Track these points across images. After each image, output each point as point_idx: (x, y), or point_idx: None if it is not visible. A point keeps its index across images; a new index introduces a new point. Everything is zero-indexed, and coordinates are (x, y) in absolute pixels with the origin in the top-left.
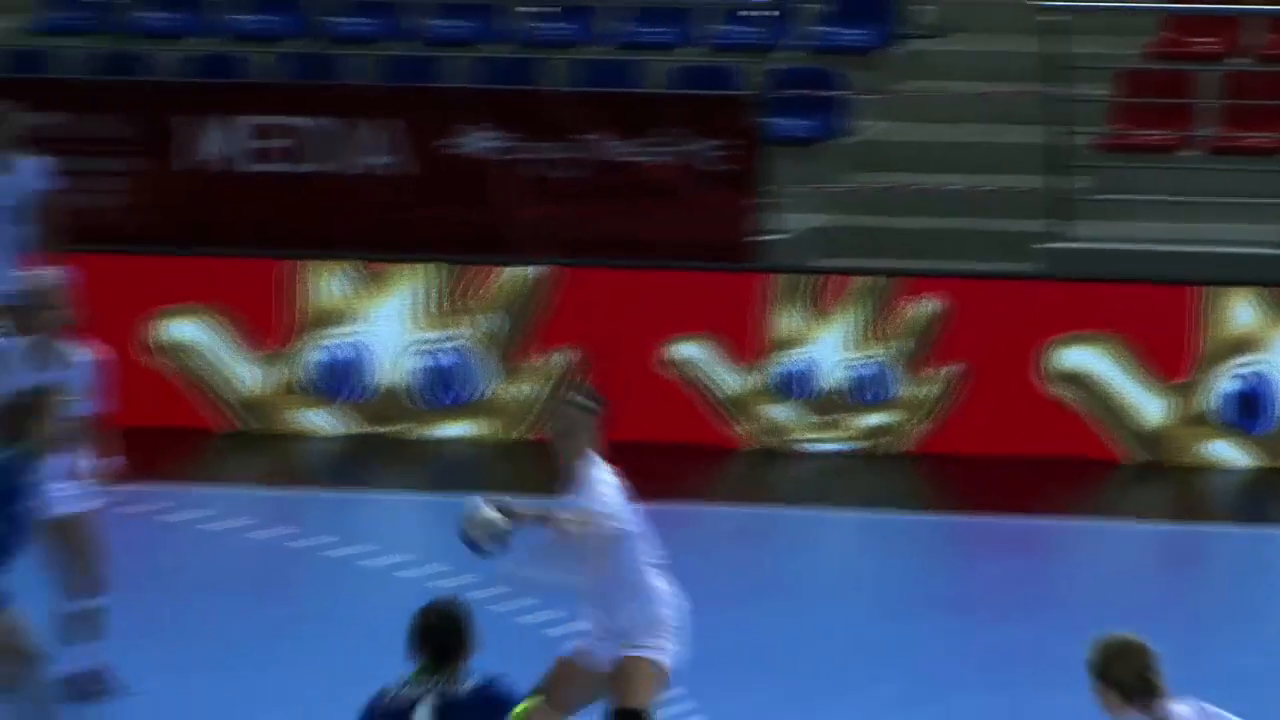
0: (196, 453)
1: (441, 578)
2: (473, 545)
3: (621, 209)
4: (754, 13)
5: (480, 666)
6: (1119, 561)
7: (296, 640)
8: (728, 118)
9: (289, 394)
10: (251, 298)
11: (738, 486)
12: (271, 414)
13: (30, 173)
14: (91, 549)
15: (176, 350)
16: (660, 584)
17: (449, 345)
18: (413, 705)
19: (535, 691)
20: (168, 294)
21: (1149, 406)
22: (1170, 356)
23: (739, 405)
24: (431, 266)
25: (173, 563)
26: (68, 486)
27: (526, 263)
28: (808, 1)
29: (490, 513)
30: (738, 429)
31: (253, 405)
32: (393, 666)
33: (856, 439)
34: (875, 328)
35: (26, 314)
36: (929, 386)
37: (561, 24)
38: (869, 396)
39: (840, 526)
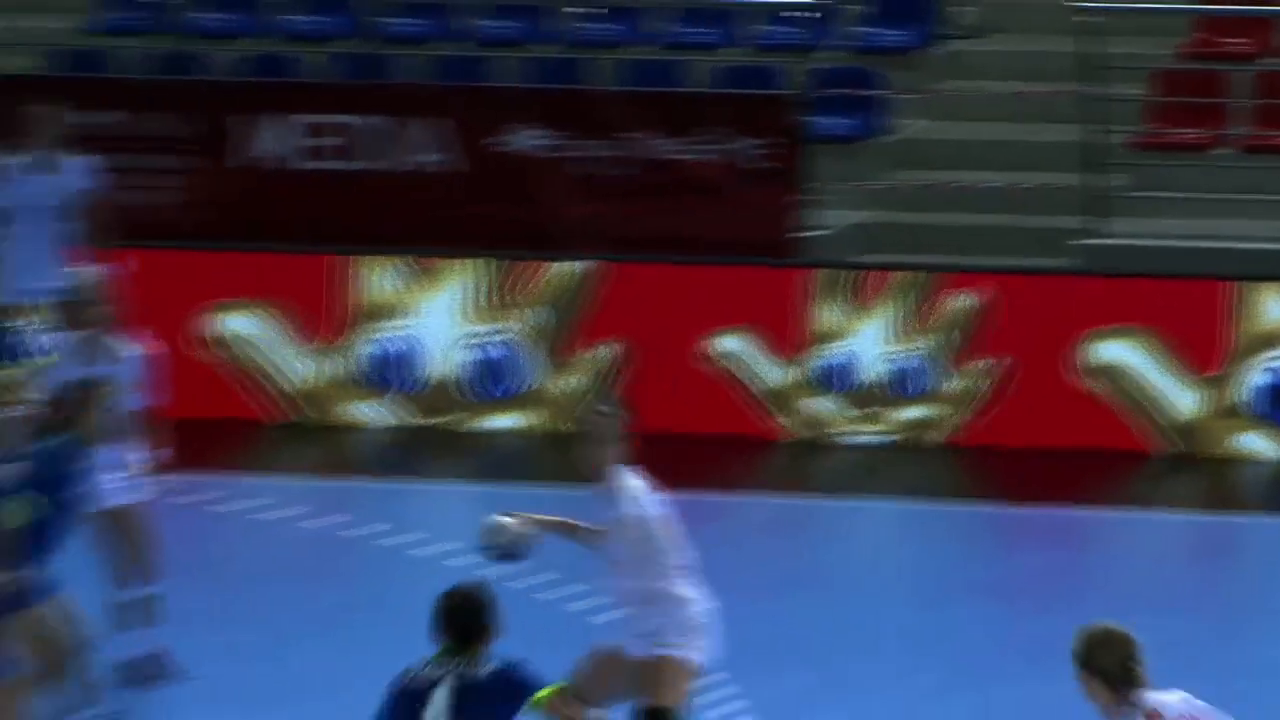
0: (250, 444)
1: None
2: (491, 554)
3: (666, 206)
4: (796, 14)
5: (525, 652)
6: (1152, 551)
7: (349, 628)
8: (770, 116)
9: (342, 386)
10: (305, 292)
11: (779, 477)
12: (324, 406)
13: (75, 172)
14: (142, 539)
15: (231, 343)
16: (689, 586)
17: (498, 339)
18: (433, 686)
19: (567, 681)
20: (223, 289)
21: (1182, 399)
22: (1203, 350)
23: (780, 398)
24: (481, 262)
25: (226, 551)
26: (118, 478)
27: (573, 258)
28: (849, 2)
29: (509, 522)
30: (779, 421)
31: (306, 397)
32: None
33: (896, 432)
34: (915, 321)
35: (75, 310)
36: (968, 380)
37: (608, 25)
38: (909, 389)
39: (879, 516)
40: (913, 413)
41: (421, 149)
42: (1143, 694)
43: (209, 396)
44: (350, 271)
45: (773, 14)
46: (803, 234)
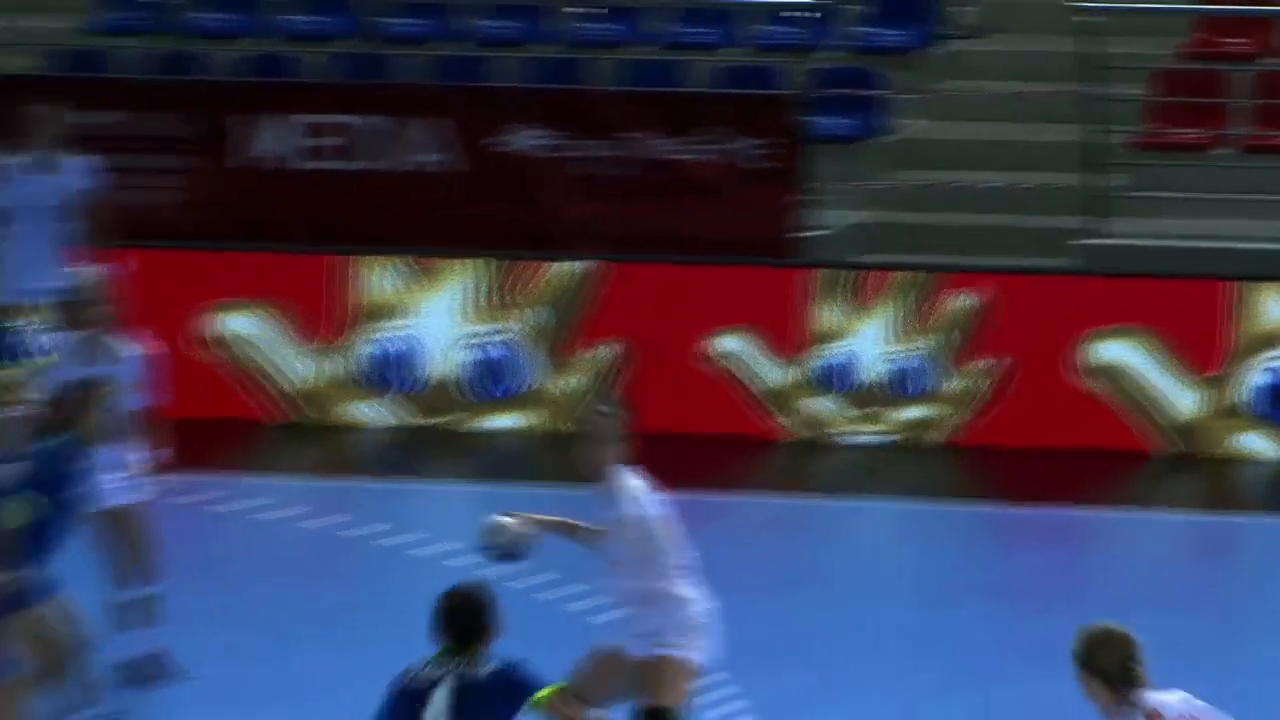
0: (250, 444)
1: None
2: (491, 554)
3: (666, 206)
4: (796, 14)
5: (525, 652)
6: (1152, 551)
7: (349, 628)
8: (770, 116)
9: (342, 386)
10: (305, 292)
11: (779, 477)
12: (324, 406)
13: (75, 172)
14: (142, 539)
15: (231, 343)
16: (689, 586)
17: (498, 339)
18: (433, 686)
19: (567, 681)
20: (223, 289)
21: (1182, 399)
22: (1203, 350)
23: (780, 398)
24: (481, 262)
25: (226, 551)
26: (118, 478)
27: (574, 258)
28: (849, 2)
29: (508, 522)
30: (779, 421)
31: (306, 397)
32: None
33: (896, 432)
34: (915, 321)
35: (75, 310)
36: (968, 380)
37: (608, 24)
38: (909, 389)
39: (879, 516)
40: (913, 413)
41: (421, 149)
42: (1142, 694)
43: (209, 396)
44: (350, 271)
45: (773, 14)
46: (803, 234)
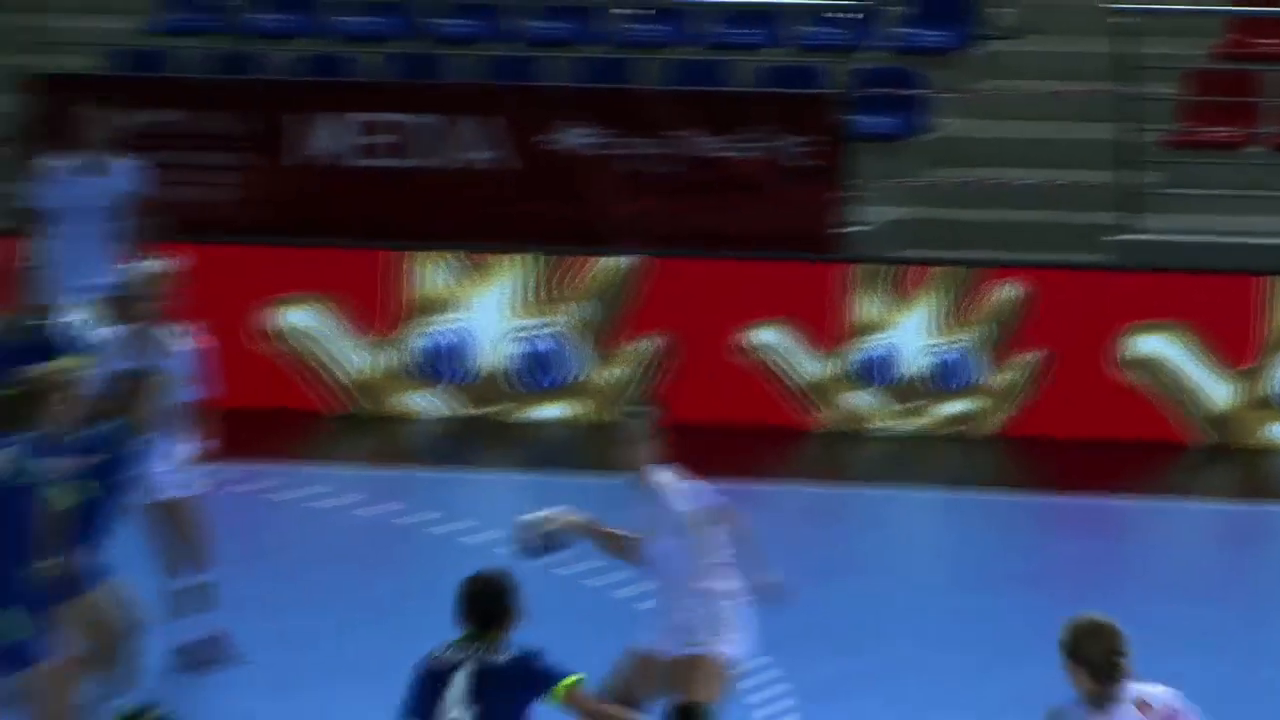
0: (307, 434)
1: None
2: (529, 548)
3: (711, 203)
4: (839, 15)
5: (572, 638)
6: (1188, 540)
7: (401, 614)
8: (813, 115)
9: (396, 378)
10: (360, 287)
11: (818, 466)
12: (379, 397)
13: (123, 174)
14: (194, 531)
15: (289, 336)
16: (723, 581)
17: (546, 331)
18: (454, 668)
19: (606, 684)
20: (281, 283)
21: (1216, 391)
22: (1236, 343)
23: (821, 391)
24: (530, 257)
25: (282, 539)
26: (170, 470)
27: (621, 254)
28: (890, 4)
29: (548, 514)
30: (819, 414)
31: (361, 388)
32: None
33: (938, 426)
34: (955, 315)
35: (125, 305)
36: (1009, 373)
37: (655, 25)
38: (951, 383)
39: (917, 505)
40: (953, 406)
41: (473, 147)
42: (1127, 685)
43: (268, 388)
44: (404, 266)
45: (816, 15)
46: (844, 230)
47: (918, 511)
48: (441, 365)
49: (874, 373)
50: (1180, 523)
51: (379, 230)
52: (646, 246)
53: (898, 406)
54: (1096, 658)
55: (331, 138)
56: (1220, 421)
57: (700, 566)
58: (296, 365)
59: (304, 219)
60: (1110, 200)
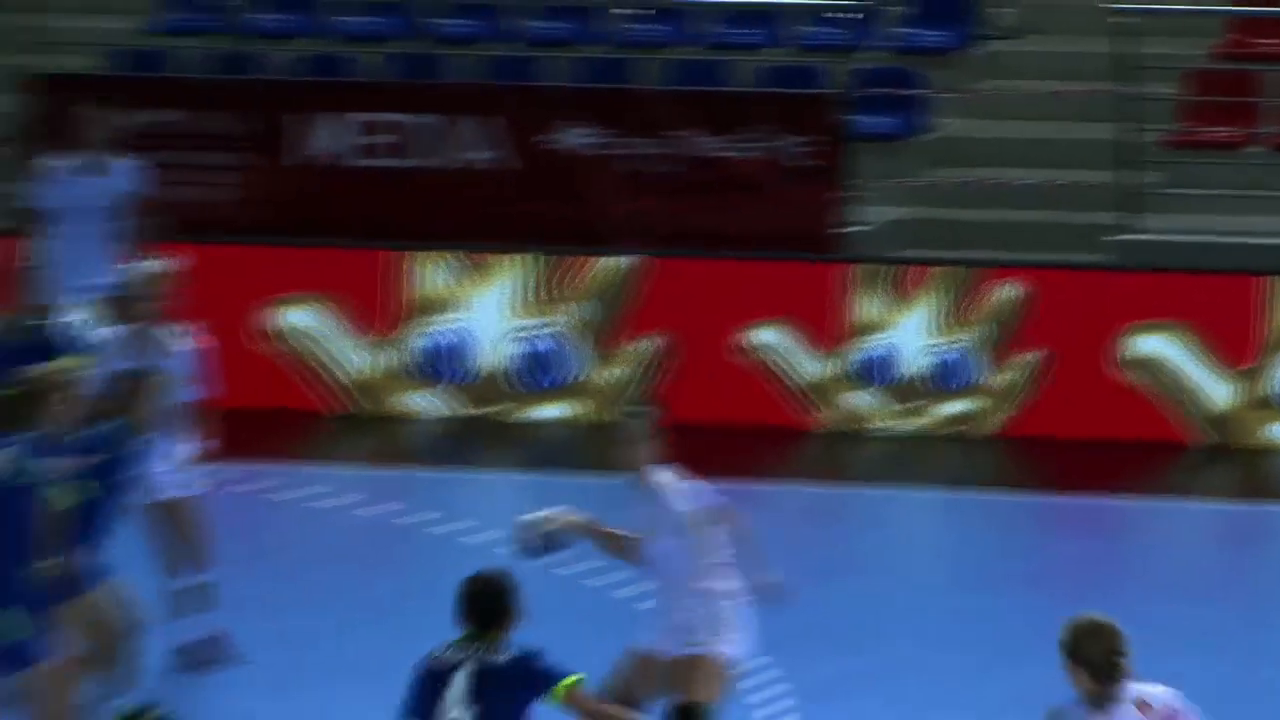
0: (307, 434)
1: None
2: (529, 548)
3: (712, 202)
4: (838, 15)
5: (572, 637)
6: (1188, 540)
7: (401, 614)
8: (813, 115)
9: (395, 378)
10: (360, 287)
11: (818, 466)
12: (379, 396)
13: (123, 174)
14: (194, 531)
15: (289, 336)
16: (723, 581)
17: (546, 332)
18: (453, 668)
19: (606, 684)
20: (281, 283)
21: (1216, 391)
22: (1236, 343)
23: (821, 391)
24: (530, 257)
25: (282, 539)
26: (170, 470)
27: (621, 254)
28: (890, 4)
29: (546, 515)
30: (819, 414)
31: (361, 388)
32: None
33: (938, 426)
34: (955, 315)
35: (125, 305)
36: (1009, 373)
37: (655, 25)
38: (952, 383)
39: (917, 505)
40: (954, 406)
41: (473, 147)
42: (1127, 685)
43: (268, 388)
44: (404, 266)
45: (816, 15)
46: (844, 229)
47: (918, 511)
48: (441, 365)
49: (874, 373)
50: (1180, 523)
51: (379, 230)
52: (647, 246)
53: (898, 406)
54: (1096, 658)
55: (331, 138)
56: (1220, 421)
57: (700, 566)
58: (297, 365)
59: (304, 219)
60: (1110, 200)
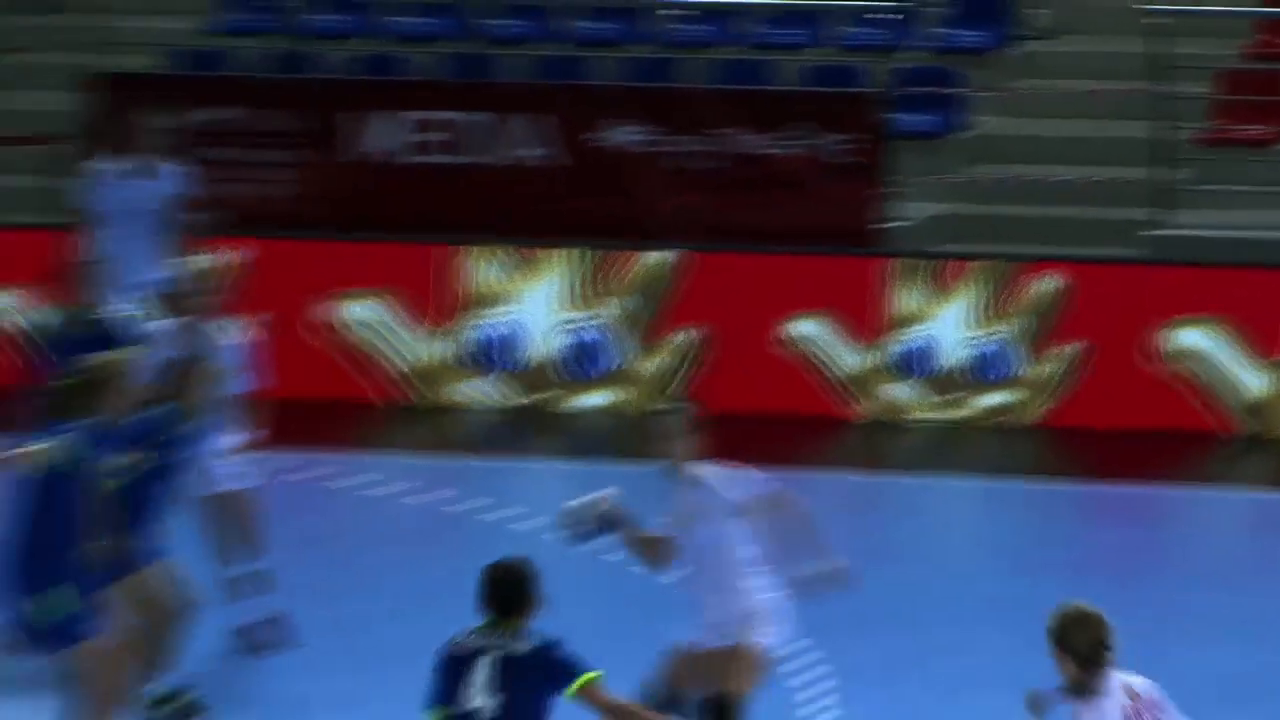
0: (362, 423)
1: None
2: (579, 533)
3: (755, 199)
4: (879, 15)
5: (618, 623)
6: (1225, 528)
7: (451, 600)
8: (854, 114)
9: (449, 368)
10: (414, 281)
11: (857, 455)
12: (434, 386)
13: (171, 177)
14: (247, 522)
15: (347, 328)
16: (763, 572)
17: (592, 324)
18: (475, 655)
19: (646, 686)
20: (337, 277)
21: (1251, 382)
22: (1270, 335)
23: (860, 383)
24: (578, 252)
25: (336, 526)
26: (223, 462)
27: (667, 248)
28: (930, 5)
29: (593, 499)
30: (859, 406)
31: (417, 378)
32: (540, 625)
33: (977, 417)
34: (994, 308)
35: (175, 299)
36: (1048, 365)
37: (700, 26)
38: (990, 375)
39: (956, 493)
40: (993, 398)
41: (524, 144)
42: (1111, 674)
43: (326, 378)
44: (456, 261)
45: (857, 16)
46: (885, 225)
47: (956, 500)
48: (493, 355)
49: (914, 365)
50: (1217, 511)
51: (432, 225)
52: (691, 241)
53: (937, 398)
54: (1083, 647)
55: (386, 135)
56: (1256, 411)
57: (740, 557)
58: (354, 356)
59: (359, 214)
60: (1144, 196)
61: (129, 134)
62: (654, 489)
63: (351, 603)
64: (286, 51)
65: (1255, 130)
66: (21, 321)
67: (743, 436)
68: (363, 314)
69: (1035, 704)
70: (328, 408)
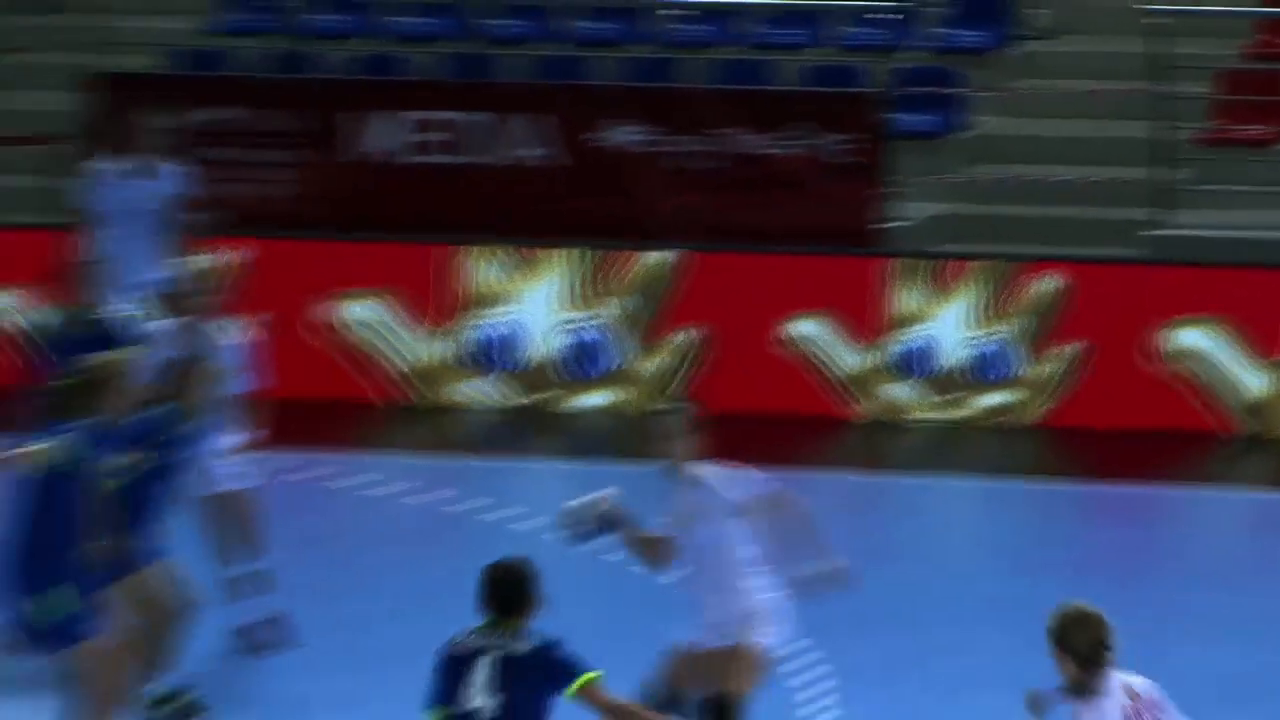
0: (362, 423)
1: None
2: (583, 530)
3: (755, 198)
4: (879, 15)
5: (620, 623)
6: (1225, 528)
7: (452, 599)
8: (854, 113)
9: (449, 368)
10: (414, 280)
11: (856, 455)
12: (434, 386)
13: (171, 177)
14: (247, 522)
15: (347, 328)
16: (762, 572)
17: (592, 324)
18: (475, 654)
19: (644, 686)
20: (336, 277)
21: (1250, 382)
22: (1270, 335)
23: (859, 382)
24: (577, 252)
25: (336, 526)
26: (223, 463)
27: (667, 248)
28: (930, 5)
29: (593, 499)
30: (859, 406)
31: (417, 378)
32: (540, 625)
33: (978, 417)
34: (994, 308)
35: (174, 300)
36: (1048, 365)
37: (700, 26)
38: (990, 375)
39: (956, 493)
40: (993, 398)
41: (524, 144)
42: (1111, 674)
43: (325, 378)
44: (456, 260)
45: (857, 16)
46: (885, 225)
47: (956, 500)
48: (493, 355)
49: (914, 365)
50: (1218, 511)
51: (432, 225)
52: (691, 241)
53: (937, 398)
54: (1083, 647)
55: (386, 135)
56: (1256, 411)
57: (740, 557)
58: (354, 356)
59: (359, 214)
60: (1144, 196)
61: (129, 134)
62: (654, 489)
63: (351, 603)
64: (286, 51)
65: (1255, 130)
66: (21, 321)
67: (743, 436)
68: (363, 314)
69: (1035, 704)
70: (328, 408)
